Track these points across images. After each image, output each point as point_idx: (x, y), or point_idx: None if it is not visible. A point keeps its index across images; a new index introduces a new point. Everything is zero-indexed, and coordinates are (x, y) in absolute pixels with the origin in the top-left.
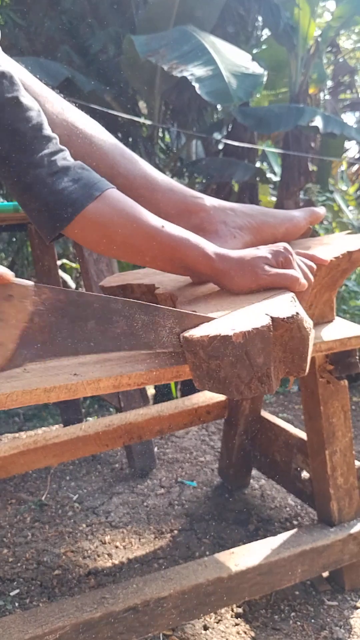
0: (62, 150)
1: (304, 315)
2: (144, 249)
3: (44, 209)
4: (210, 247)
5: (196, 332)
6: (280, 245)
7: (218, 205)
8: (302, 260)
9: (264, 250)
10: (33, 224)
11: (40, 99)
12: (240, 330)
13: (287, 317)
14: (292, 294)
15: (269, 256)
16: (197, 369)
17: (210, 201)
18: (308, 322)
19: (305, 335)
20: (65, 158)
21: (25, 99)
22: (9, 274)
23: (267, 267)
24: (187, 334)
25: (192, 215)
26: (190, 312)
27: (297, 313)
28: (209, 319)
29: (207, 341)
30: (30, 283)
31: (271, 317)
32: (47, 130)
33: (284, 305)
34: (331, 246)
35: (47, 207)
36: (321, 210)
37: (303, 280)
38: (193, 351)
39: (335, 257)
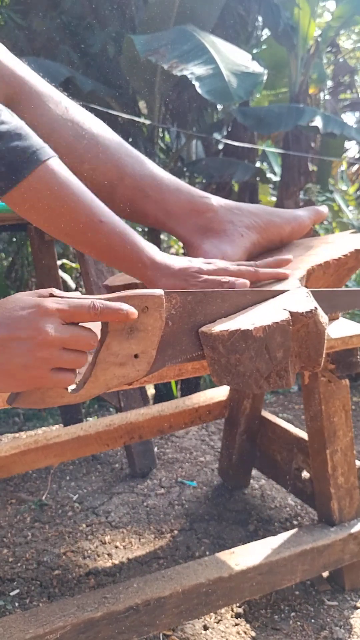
0: (1, 121)
1: (320, 310)
2: (78, 240)
3: None
4: (147, 253)
5: (215, 327)
6: (214, 260)
7: (225, 205)
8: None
9: (197, 262)
10: None
11: (44, 97)
12: (261, 325)
13: (306, 312)
14: (307, 290)
15: (203, 268)
16: (215, 363)
17: (217, 201)
18: (324, 318)
19: (322, 330)
20: (2, 122)
21: None
22: (135, 312)
23: (197, 275)
24: (205, 328)
25: (200, 215)
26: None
27: (315, 308)
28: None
29: (227, 336)
30: (161, 292)
31: (290, 312)
32: None
33: (302, 300)
34: (335, 245)
35: None
36: (324, 209)
37: (239, 280)
38: (212, 346)
39: (344, 255)
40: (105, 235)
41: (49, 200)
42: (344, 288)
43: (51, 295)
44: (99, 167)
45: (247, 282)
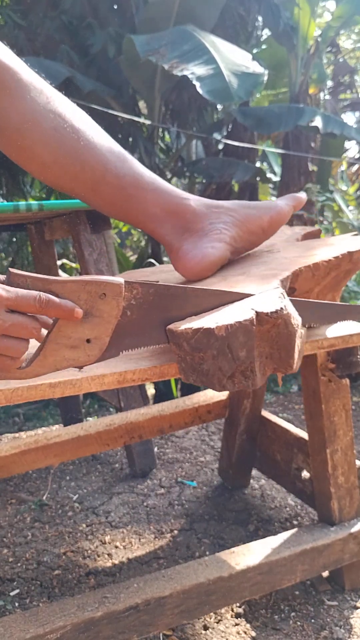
0: None
1: (292, 312)
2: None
3: None
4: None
5: (181, 324)
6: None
7: (203, 204)
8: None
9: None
10: None
11: (26, 86)
12: (223, 324)
13: (271, 312)
14: (282, 290)
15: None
16: (182, 361)
17: (195, 202)
18: (296, 319)
19: (292, 332)
20: None
21: None
22: (80, 311)
23: None
24: (172, 326)
25: (179, 216)
26: (231, 290)
27: (282, 308)
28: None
29: (191, 334)
30: (121, 280)
31: (256, 312)
32: None
33: (272, 300)
34: (334, 247)
35: None
36: (302, 195)
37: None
38: (177, 343)
39: (334, 257)
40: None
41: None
42: (317, 300)
43: (2, 282)
44: (79, 162)
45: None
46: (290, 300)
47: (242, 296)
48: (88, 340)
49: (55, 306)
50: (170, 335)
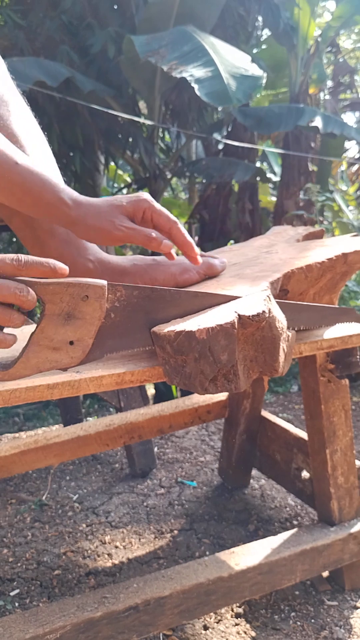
0: None
1: (277, 314)
2: None
3: None
4: (68, 192)
5: (164, 327)
6: (141, 196)
7: (106, 264)
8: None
9: (123, 199)
10: None
11: None
12: (205, 327)
13: (253, 315)
14: (268, 293)
15: (128, 207)
16: (165, 363)
17: (97, 261)
18: (282, 322)
19: (277, 335)
20: None
21: None
22: (65, 268)
23: (124, 220)
24: (155, 328)
25: (77, 276)
26: (220, 293)
27: (264, 311)
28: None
29: (173, 336)
30: (104, 282)
31: (238, 315)
32: None
33: (255, 303)
34: (329, 248)
35: None
36: (219, 263)
37: (166, 241)
38: (161, 346)
39: (328, 259)
40: (22, 178)
41: None
42: (305, 303)
43: None
44: None
45: (170, 244)
46: (278, 302)
47: (227, 298)
48: (71, 342)
49: (36, 264)
50: (154, 338)
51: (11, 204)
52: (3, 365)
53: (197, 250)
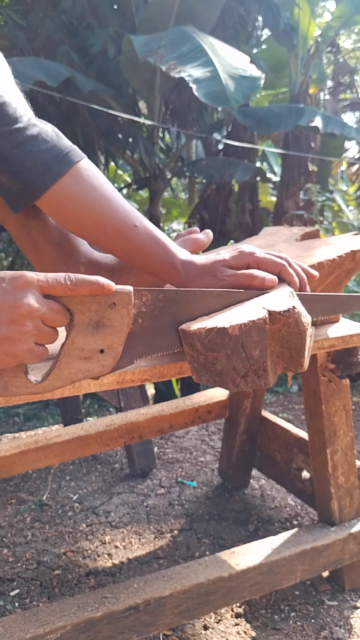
0: (32, 124)
1: (302, 310)
2: (110, 244)
3: (7, 183)
4: (178, 256)
5: (193, 325)
6: (245, 250)
7: (95, 263)
8: (274, 255)
9: (226, 255)
10: (1, 196)
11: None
12: (237, 323)
13: (284, 311)
14: (290, 289)
15: (231, 261)
16: (194, 361)
17: (88, 262)
18: (306, 318)
19: (303, 331)
20: (33, 125)
21: None
22: (111, 284)
23: (225, 270)
24: (184, 326)
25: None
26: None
27: (294, 307)
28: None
29: (204, 333)
30: (130, 289)
31: (268, 311)
32: (15, 104)
33: (282, 299)
34: (335, 246)
35: (12, 182)
36: (203, 236)
37: (269, 276)
38: (190, 343)
39: (338, 256)
40: (138, 240)
41: (81, 202)
42: (338, 293)
43: None
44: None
45: (276, 279)
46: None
47: (250, 295)
48: (101, 351)
49: (87, 283)
50: (182, 336)
51: (124, 260)
52: (35, 378)
53: (304, 277)
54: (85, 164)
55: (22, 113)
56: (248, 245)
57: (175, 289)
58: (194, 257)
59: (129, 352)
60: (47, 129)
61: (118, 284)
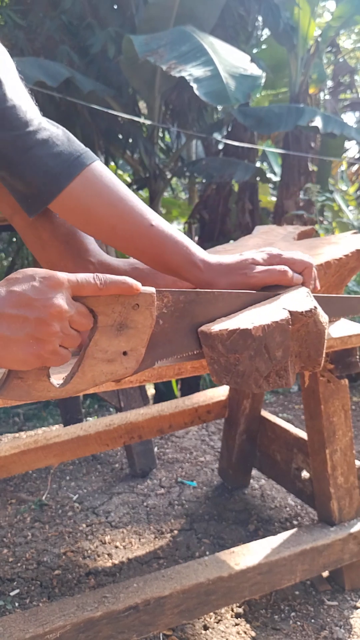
0: (42, 128)
1: (320, 310)
2: (128, 244)
3: (20, 187)
4: (199, 255)
5: (215, 326)
6: (266, 249)
7: (106, 266)
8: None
9: (250, 253)
10: (16, 200)
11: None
12: (260, 324)
13: (306, 311)
14: (307, 290)
15: (257, 257)
16: (214, 363)
17: (98, 263)
18: (324, 317)
19: (322, 330)
20: (44, 129)
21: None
22: (139, 284)
23: (254, 267)
24: (204, 327)
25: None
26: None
27: (315, 307)
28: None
29: (226, 335)
30: (152, 290)
31: (289, 311)
32: (24, 107)
33: (301, 299)
34: (339, 245)
35: (25, 186)
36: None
37: (296, 275)
38: (211, 345)
39: (345, 255)
40: (155, 239)
41: (95, 204)
42: (340, 295)
43: None
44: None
45: (301, 278)
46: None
47: (265, 297)
48: (125, 353)
49: (116, 283)
50: (203, 338)
51: (142, 261)
52: (58, 382)
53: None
54: (98, 167)
55: (32, 117)
56: (274, 249)
57: (196, 290)
58: (219, 256)
59: (150, 354)
60: (58, 133)
61: None
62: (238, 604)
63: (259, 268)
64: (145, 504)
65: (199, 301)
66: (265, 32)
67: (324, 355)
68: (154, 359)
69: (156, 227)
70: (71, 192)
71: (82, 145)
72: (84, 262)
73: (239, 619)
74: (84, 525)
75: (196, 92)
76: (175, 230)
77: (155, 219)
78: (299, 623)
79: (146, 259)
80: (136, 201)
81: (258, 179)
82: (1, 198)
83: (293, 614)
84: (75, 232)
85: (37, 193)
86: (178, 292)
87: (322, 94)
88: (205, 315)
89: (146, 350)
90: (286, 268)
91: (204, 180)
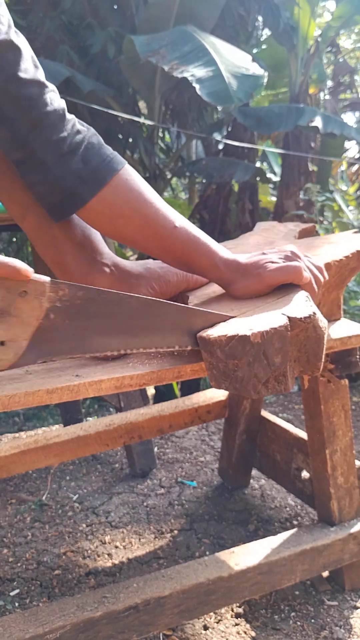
0: (76, 130)
1: (319, 315)
2: (151, 246)
3: (50, 193)
4: (220, 254)
5: (214, 332)
6: (287, 249)
7: (122, 269)
8: (311, 262)
9: (270, 253)
10: (41, 205)
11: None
12: (258, 330)
13: (304, 317)
14: (306, 294)
15: (274, 257)
16: (213, 368)
17: (113, 265)
18: (323, 322)
19: (321, 335)
20: (77, 132)
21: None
22: (29, 270)
23: (269, 265)
24: (204, 333)
25: (95, 280)
26: (206, 310)
27: (314, 313)
28: (224, 317)
29: (225, 341)
30: (46, 279)
31: (288, 317)
32: (61, 110)
33: (300, 305)
34: (339, 245)
35: (53, 192)
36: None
37: (307, 273)
38: (210, 351)
39: (345, 256)
40: (178, 241)
41: (124, 209)
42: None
43: None
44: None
45: (310, 277)
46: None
47: (179, 308)
48: (2, 343)
49: (1, 264)
50: (202, 343)
51: (165, 261)
52: None
53: (321, 280)
54: (128, 171)
55: (68, 118)
56: (293, 246)
57: (98, 288)
58: (237, 256)
59: (34, 349)
60: (90, 135)
61: (144, 293)
62: (238, 604)
63: (272, 266)
64: (145, 504)
65: (100, 301)
66: (265, 32)
67: (323, 359)
68: (38, 356)
69: (180, 228)
70: (102, 198)
71: (110, 148)
72: (99, 264)
73: (239, 619)
74: (84, 525)
75: (199, 92)
76: (198, 231)
77: (179, 219)
78: (299, 623)
79: (169, 259)
80: (161, 203)
81: (258, 179)
82: (13, 197)
83: (293, 614)
84: (90, 234)
85: (68, 198)
86: (77, 287)
87: (322, 94)
88: (108, 317)
89: (30, 344)
90: (301, 265)
91: (204, 180)
